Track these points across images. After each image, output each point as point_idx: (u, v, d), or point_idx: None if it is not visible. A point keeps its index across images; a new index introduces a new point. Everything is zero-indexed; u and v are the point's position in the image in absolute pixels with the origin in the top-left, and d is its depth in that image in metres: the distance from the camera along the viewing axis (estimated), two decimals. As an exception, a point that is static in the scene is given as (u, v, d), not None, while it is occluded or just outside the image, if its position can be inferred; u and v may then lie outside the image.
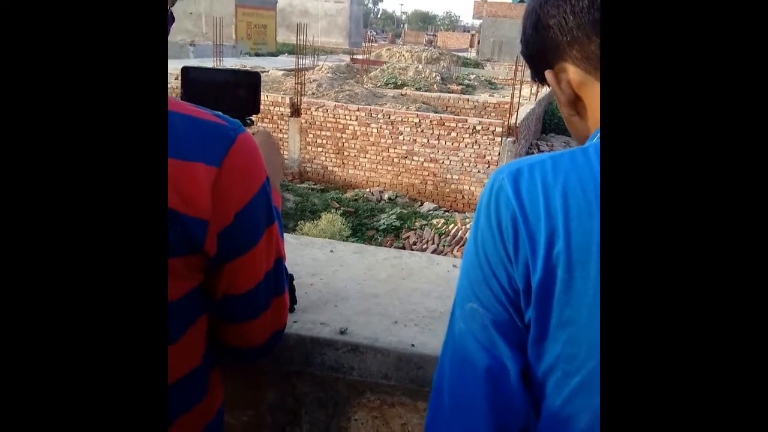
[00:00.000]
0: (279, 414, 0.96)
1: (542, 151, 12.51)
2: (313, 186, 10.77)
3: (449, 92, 15.04)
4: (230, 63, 16.26)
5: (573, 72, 0.61)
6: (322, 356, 0.89)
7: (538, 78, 0.66)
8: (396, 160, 10.50)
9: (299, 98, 11.14)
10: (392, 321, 0.94)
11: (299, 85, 11.41)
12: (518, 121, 9.81)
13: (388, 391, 0.90)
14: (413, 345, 0.87)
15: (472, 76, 18.38)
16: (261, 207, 0.68)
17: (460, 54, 27.83)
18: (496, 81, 19.03)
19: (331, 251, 1.22)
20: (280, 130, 11.21)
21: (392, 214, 9.07)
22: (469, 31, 59.57)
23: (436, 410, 0.60)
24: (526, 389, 0.57)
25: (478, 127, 9.86)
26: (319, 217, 8.40)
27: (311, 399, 0.94)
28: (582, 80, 0.61)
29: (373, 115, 10.56)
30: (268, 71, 15.63)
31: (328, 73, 15.11)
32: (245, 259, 0.67)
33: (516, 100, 10.06)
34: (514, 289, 0.53)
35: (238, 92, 0.86)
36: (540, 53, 0.64)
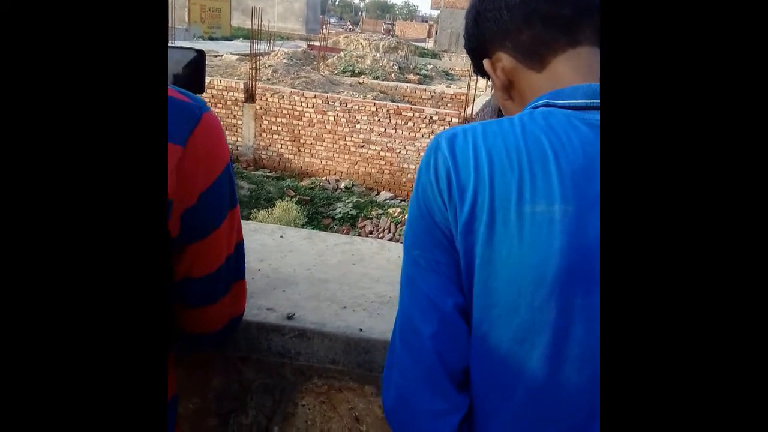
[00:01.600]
0: (225, 401, 0.95)
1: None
2: (268, 173, 10.61)
3: (406, 82, 15.05)
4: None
5: (506, 60, 0.69)
6: (268, 342, 0.88)
7: (479, 70, 0.75)
8: (353, 148, 10.46)
9: (254, 84, 10.92)
10: (341, 306, 0.93)
11: (254, 71, 11.17)
12: (474, 113, 9.93)
13: (336, 376, 0.90)
14: (361, 330, 0.87)
15: (430, 67, 18.45)
16: (225, 188, 0.66)
17: (417, 44, 27.82)
18: (453, 72, 19.15)
19: (281, 237, 1.21)
20: (234, 115, 10.98)
21: (348, 202, 9.05)
22: (427, 22, 59.56)
23: (391, 352, 0.64)
24: (465, 322, 0.61)
25: (435, 118, 9.93)
26: (274, 205, 8.30)
27: (257, 385, 0.93)
28: (514, 67, 0.69)
29: (330, 102, 10.47)
30: (222, 55, 15.25)
31: (284, 59, 14.85)
32: (207, 242, 0.66)
33: (472, 91, 10.16)
34: (450, 231, 0.60)
35: (181, 70, 0.83)
36: (480, 45, 0.72)
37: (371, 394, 0.90)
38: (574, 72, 0.64)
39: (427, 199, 0.61)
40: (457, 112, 10.07)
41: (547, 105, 0.62)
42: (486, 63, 0.71)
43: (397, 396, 0.62)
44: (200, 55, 0.85)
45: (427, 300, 0.60)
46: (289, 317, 0.88)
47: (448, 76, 18.55)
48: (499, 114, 0.76)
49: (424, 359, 0.60)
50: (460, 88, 13.02)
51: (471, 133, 0.61)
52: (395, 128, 10.13)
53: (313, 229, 7.60)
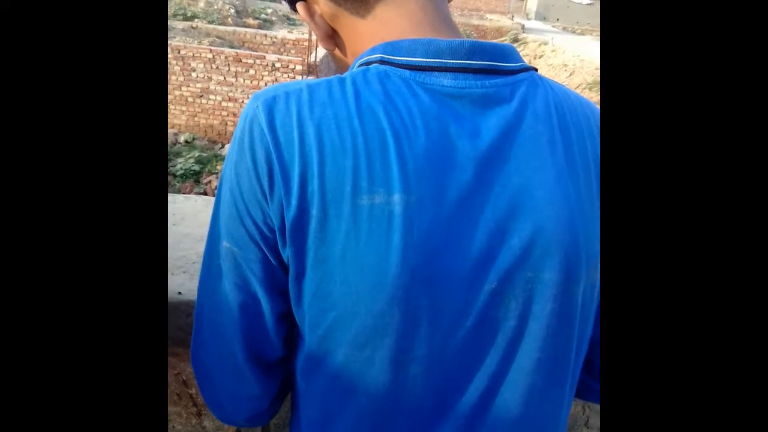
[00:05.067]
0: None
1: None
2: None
3: (245, 27, 14.29)
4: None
5: (324, 4, 0.59)
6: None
7: (294, 10, 0.63)
8: (190, 99, 9.79)
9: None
10: (158, 270, 0.88)
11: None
12: (318, 59, 9.77)
13: (158, 343, 0.85)
14: (180, 293, 0.83)
15: (269, 11, 17.66)
16: None
17: (256, -14, 26.38)
18: (295, 17, 18.50)
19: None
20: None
21: (190, 157, 8.54)
22: (265, -38, 56.53)
23: (197, 344, 0.60)
24: (282, 326, 0.57)
25: (278, 65, 9.60)
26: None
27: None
28: (334, 13, 0.59)
29: (160, 49, 9.59)
30: None
31: None
32: None
33: (315, 37, 9.95)
34: (269, 228, 0.51)
35: None
36: None
37: (198, 357, 0.87)
38: (404, 18, 0.56)
39: (243, 189, 0.51)
40: (301, 58, 9.83)
41: (382, 61, 0.53)
42: (300, 7, 0.60)
43: (204, 375, 0.61)
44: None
45: (232, 298, 0.55)
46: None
47: (290, 20, 17.93)
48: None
49: (228, 352, 0.57)
50: (303, 33, 12.69)
51: (295, 101, 0.50)
52: (236, 76, 9.64)
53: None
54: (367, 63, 0.54)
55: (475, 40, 0.54)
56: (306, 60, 9.60)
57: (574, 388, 0.60)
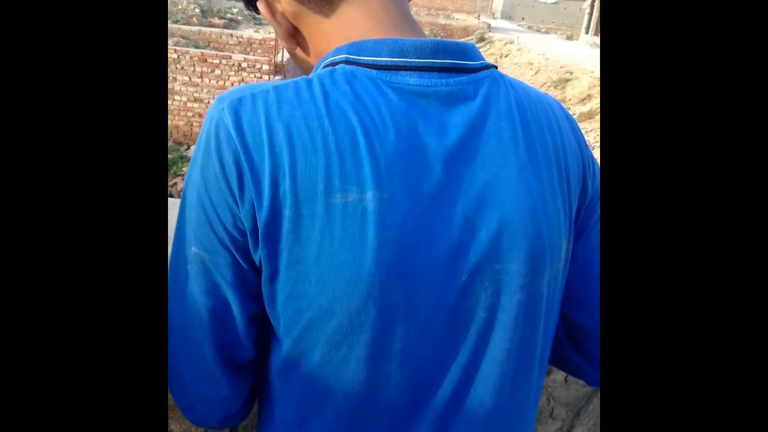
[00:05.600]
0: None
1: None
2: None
3: (211, 26, 14.10)
4: None
5: (286, 3, 0.58)
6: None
7: (253, 9, 0.62)
8: (155, 100, 9.59)
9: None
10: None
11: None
12: (284, 59, 9.70)
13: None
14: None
15: (235, 10, 17.46)
16: None
17: (220, -15, 26.02)
18: (261, 16, 18.35)
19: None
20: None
21: (156, 159, 8.38)
22: (229, -39, 55.81)
23: (169, 350, 0.58)
24: (253, 328, 0.57)
25: (244, 65, 9.50)
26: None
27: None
28: (297, 11, 0.58)
29: (122, 49, 9.39)
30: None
31: None
32: None
33: (281, 36, 9.87)
34: (240, 231, 0.50)
35: None
36: None
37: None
38: (368, 17, 0.56)
39: (212, 193, 0.50)
40: (268, 58, 9.74)
41: (347, 62, 0.53)
42: (261, 5, 0.59)
43: (175, 379, 0.59)
44: None
45: (202, 303, 0.54)
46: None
47: (256, 20, 17.76)
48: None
49: (198, 356, 0.56)
50: (270, 33, 12.58)
51: (262, 102, 0.50)
52: (201, 77, 9.50)
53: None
54: (333, 64, 0.54)
55: (438, 38, 0.55)
56: (273, 60, 9.53)
57: (542, 376, 0.61)
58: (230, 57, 9.64)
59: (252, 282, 0.54)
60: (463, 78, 0.54)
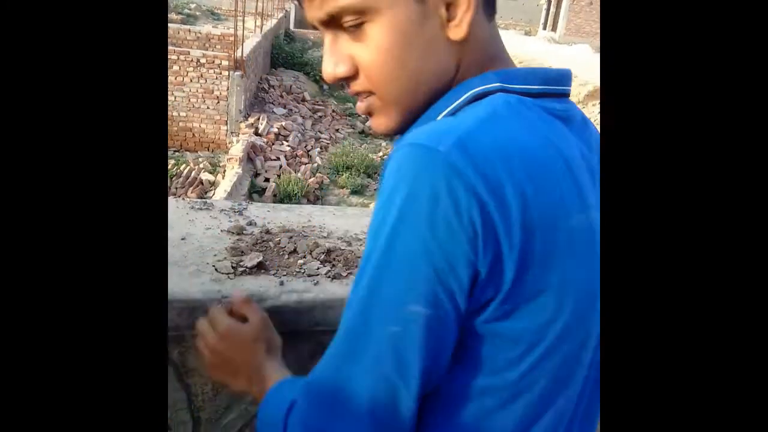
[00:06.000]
0: None
1: (273, 87, 12.56)
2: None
3: (168, 22, 13.76)
4: None
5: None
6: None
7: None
8: (111, 97, 9.32)
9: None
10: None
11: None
12: (245, 55, 9.57)
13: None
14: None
15: (193, 5, 17.13)
16: None
17: (177, -21, 25.45)
18: (219, 11, 18.06)
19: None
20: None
21: (113, 158, 8.14)
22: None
23: (341, 419, 0.49)
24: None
25: (203, 60, 9.33)
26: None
27: None
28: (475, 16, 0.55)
29: (75, 44, 9.08)
30: None
31: None
32: None
33: (240, 32, 9.74)
34: (472, 280, 0.47)
35: None
36: None
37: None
38: (499, 40, 0.58)
39: (442, 242, 0.45)
40: (227, 54, 9.59)
41: (503, 90, 0.52)
42: None
43: None
44: None
45: (417, 368, 0.47)
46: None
47: (214, 15, 17.47)
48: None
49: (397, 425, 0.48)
50: (228, 28, 12.38)
51: (490, 140, 0.47)
52: (159, 73, 9.27)
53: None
54: (486, 93, 0.53)
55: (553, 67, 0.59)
56: (233, 56, 9.38)
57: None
58: (188, 53, 9.45)
59: (452, 346, 0.50)
60: (569, 103, 0.58)
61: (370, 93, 0.56)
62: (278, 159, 8.46)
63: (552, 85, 0.55)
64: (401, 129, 0.58)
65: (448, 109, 0.54)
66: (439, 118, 0.54)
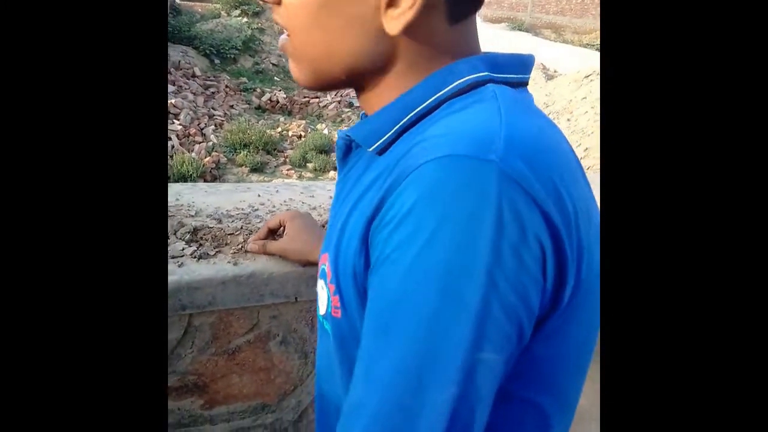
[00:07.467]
0: None
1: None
2: None
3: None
4: None
5: None
6: None
7: None
8: None
9: None
10: None
11: None
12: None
13: None
14: None
15: None
16: None
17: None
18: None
19: None
20: None
21: None
22: None
23: None
24: None
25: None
26: None
27: None
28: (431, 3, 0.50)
29: None
30: None
31: None
32: None
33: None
34: (540, 304, 0.42)
35: None
36: None
37: None
38: (474, 29, 0.53)
39: (508, 274, 0.38)
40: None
41: (491, 80, 0.48)
42: None
43: None
44: None
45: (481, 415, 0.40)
46: None
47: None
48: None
49: None
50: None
51: (531, 139, 0.42)
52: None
53: None
54: (478, 82, 0.48)
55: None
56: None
57: None
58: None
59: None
60: (527, 89, 0.55)
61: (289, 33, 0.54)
62: (170, 139, 8.02)
63: (525, 74, 0.52)
64: (311, 86, 0.54)
65: (435, 96, 0.48)
66: (424, 105, 0.49)
